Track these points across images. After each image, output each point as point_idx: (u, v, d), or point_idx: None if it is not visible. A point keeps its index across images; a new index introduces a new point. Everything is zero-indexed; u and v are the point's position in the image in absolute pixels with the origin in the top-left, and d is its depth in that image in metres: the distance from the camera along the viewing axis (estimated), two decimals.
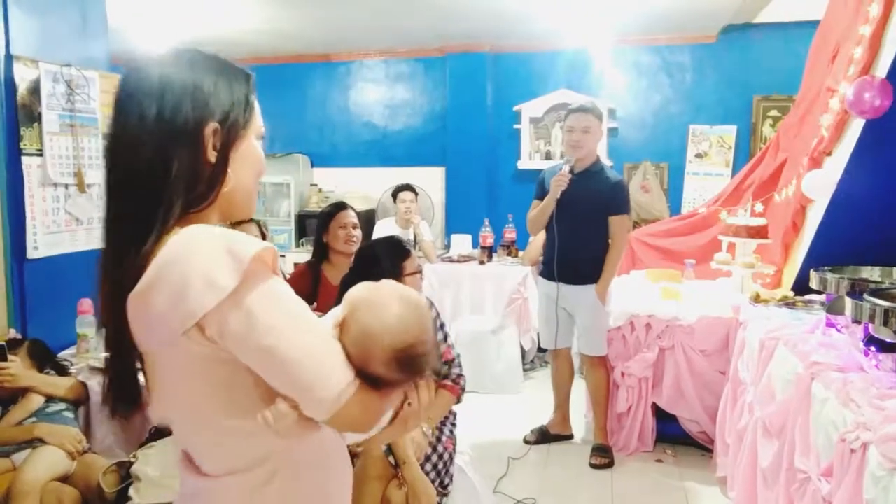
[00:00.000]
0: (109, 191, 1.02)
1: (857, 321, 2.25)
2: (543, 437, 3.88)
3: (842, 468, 1.88)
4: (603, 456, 3.60)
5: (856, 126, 2.94)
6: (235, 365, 0.94)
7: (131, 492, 2.05)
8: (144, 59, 1.03)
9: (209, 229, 0.96)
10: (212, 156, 1.00)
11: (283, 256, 5.70)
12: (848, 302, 2.22)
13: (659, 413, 3.70)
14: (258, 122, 1.08)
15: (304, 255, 5.42)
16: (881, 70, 2.69)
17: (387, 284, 1.04)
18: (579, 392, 3.86)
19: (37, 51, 2.76)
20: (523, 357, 4.96)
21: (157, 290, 0.90)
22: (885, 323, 2.03)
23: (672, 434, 3.73)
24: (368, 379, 0.97)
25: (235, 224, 1.10)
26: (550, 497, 3.27)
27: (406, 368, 0.98)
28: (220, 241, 0.92)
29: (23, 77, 2.68)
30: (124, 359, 1.02)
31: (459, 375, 2.42)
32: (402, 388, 1.02)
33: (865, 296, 2.17)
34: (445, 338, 2.44)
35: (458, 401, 2.43)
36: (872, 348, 2.17)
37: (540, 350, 4.87)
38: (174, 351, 0.94)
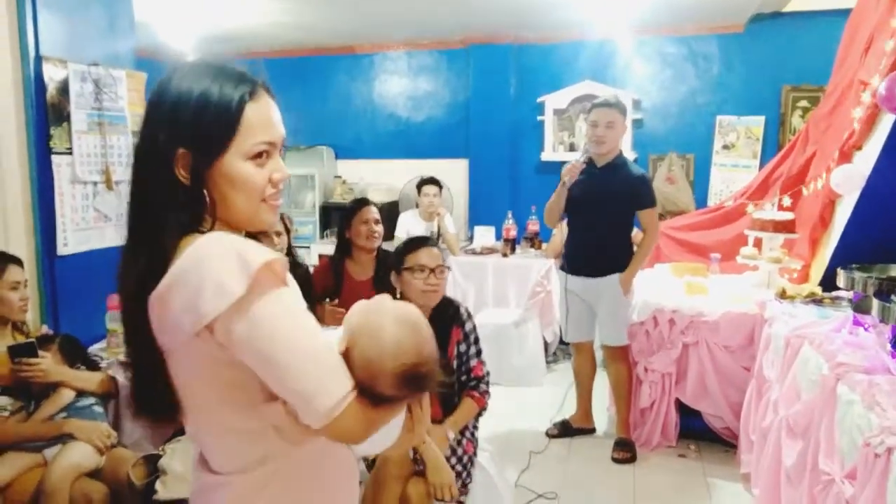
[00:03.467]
0: (129, 204, 1.09)
1: (884, 321, 2.22)
2: (565, 430, 3.88)
3: (866, 472, 1.86)
4: (625, 450, 3.60)
5: (887, 121, 2.88)
6: (243, 368, 0.98)
7: (158, 485, 2.09)
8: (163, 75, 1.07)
9: (223, 237, 1.00)
10: (183, 178, 1.02)
11: (308, 248, 5.76)
12: (875, 303, 2.19)
13: (682, 408, 3.68)
14: (247, 142, 1.04)
15: (328, 246, 5.47)
16: None
17: (383, 306, 1.05)
18: (602, 386, 3.86)
19: (65, 50, 2.80)
20: (546, 350, 4.96)
21: (174, 292, 0.96)
22: None
23: (696, 429, 3.71)
24: (375, 395, 1.00)
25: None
26: (572, 491, 3.28)
27: (411, 386, 1.01)
28: (231, 249, 0.96)
29: (52, 77, 2.73)
30: (147, 361, 1.05)
31: (486, 392, 2.45)
32: (404, 404, 1.05)
33: (893, 297, 2.13)
34: (479, 353, 2.46)
35: (482, 412, 2.45)
36: None
37: (562, 343, 4.86)
38: (188, 351, 1.00)
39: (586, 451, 3.70)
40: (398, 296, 2.39)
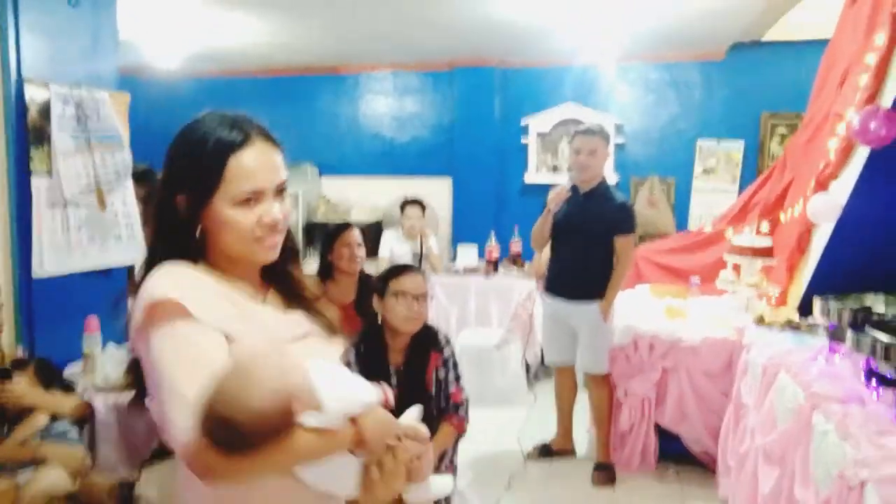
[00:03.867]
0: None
1: (858, 351, 2.25)
2: (546, 453, 3.88)
3: (840, 503, 1.88)
4: (605, 473, 3.61)
5: (862, 152, 2.94)
6: None
7: None
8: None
9: (164, 268, 1.14)
10: (184, 219, 1.17)
11: None
12: (849, 334, 2.22)
13: (662, 431, 3.70)
14: (232, 190, 1.14)
15: (311, 265, 5.46)
16: (887, 99, 2.69)
17: (257, 354, 1.02)
18: (583, 407, 3.86)
19: (47, 72, 2.79)
20: (528, 371, 4.97)
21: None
22: (886, 357, 2.04)
23: (675, 452, 3.73)
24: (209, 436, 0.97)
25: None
26: None
27: (217, 436, 0.97)
28: (152, 280, 1.12)
29: (33, 99, 2.71)
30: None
31: (464, 418, 2.44)
32: (253, 461, 0.99)
33: (867, 328, 2.17)
34: (458, 379, 2.45)
35: (460, 437, 2.45)
36: (873, 381, 2.17)
37: (544, 364, 4.87)
38: (138, 350, 1.16)
39: (566, 474, 3.70)
40: (379, 321, 2.39)
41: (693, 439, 3.64)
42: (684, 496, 3.46)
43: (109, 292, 2.92)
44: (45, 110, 2.76)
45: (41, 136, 2.75)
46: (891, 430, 1.95)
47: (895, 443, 1.86)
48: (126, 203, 3.13)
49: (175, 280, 1.12)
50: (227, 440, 0.96)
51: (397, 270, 2.42)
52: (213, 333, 1.09)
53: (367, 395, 1.11)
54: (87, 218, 2.95)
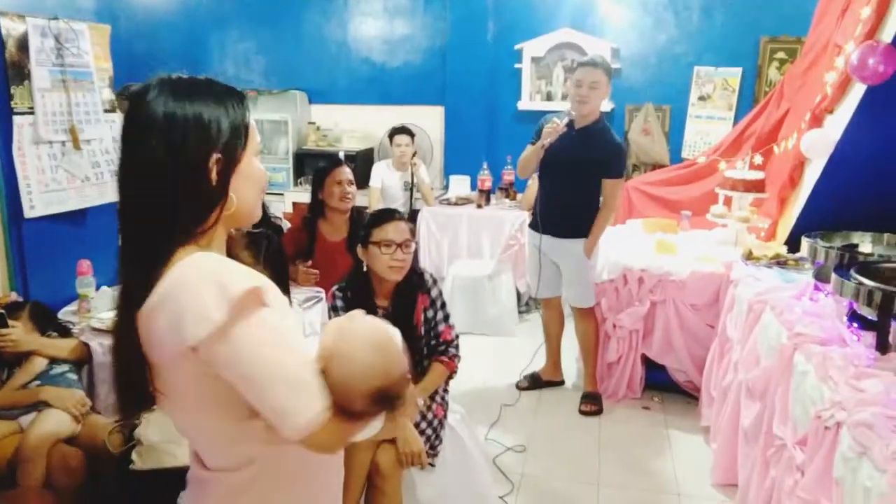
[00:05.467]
0: (121, 215, 1.11)
1: (841, 295, 2.29)
2: (535, 383, 3.99)
3: (816, 442, 1.96)
4: (592, 403, 3.72)
5: (859, 87, 2.89)
6: (228, 384, 1.03)
7: (134, 455, 2.14)
8: (146, 92, 1.09)
9: (208, 259, 1.06)
10: (214, 182, 1.09)
11: (282, 195, 5.70)
12: (834, 278, 2.25)
13: (648, 362, 3.80)
14: (255, 141, 1.16)
15: (302, 194, 5.43)
16: (887, 34, 2.63)
17: (353, 329, 1.08)
18: (571, 338, 3.93)
19: (23, 4, 2.69)
20: (519, 300, 5.04)
21: (160, 313, 1.02)
22: (869, 303, 2.07)
23: (660, 382, 3.85)
24: (350, 411, 1.05)
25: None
26: (540, 444, 3.40)
27: (382, 405, 1.06)
28: (211, 275, 1.02)
29: (10, 33, 2.63)
30: (132, 365, 1.10)
31: (455, 355, 2.48)
32: (379, 415, 1.09)
33: (852, 272, 2.20)
34: (447, 318, 2.48)
35: (452, 376, 2.50)
36: (855, 324, 2.21)
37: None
38: (175, 367, 1.06)
39: (555, 404, 3.82)
40: (364, 268, 2.39)
41: (678, 370, 3.75)
42: (668, 424, 3.59)
43: (95, 234, 2.92)
44: (24, 44, 2.68)
45: (21, 71, 2.67)
46: (868, 373, 2.00)
47: (871, 386, 1.92)
48: (102, 142, 3.09)
49: (236, 266, 1.07)
50: (384, 407, 1.06)
51: (380, 218, 2.38)
52: (291, 317, 1.12)
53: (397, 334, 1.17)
54: (68, 157, 2.91)
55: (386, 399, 1.05)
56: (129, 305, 1.07)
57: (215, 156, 1.08)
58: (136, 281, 1.06)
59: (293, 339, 1.07)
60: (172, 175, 1.06)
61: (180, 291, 1.01)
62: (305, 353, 1.06)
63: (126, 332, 1.08)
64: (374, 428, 1.15)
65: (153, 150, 1.06)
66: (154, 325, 1.03)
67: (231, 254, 1.19)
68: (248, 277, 1.04)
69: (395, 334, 1.11)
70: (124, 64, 3.31)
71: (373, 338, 1.07)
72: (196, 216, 1.09)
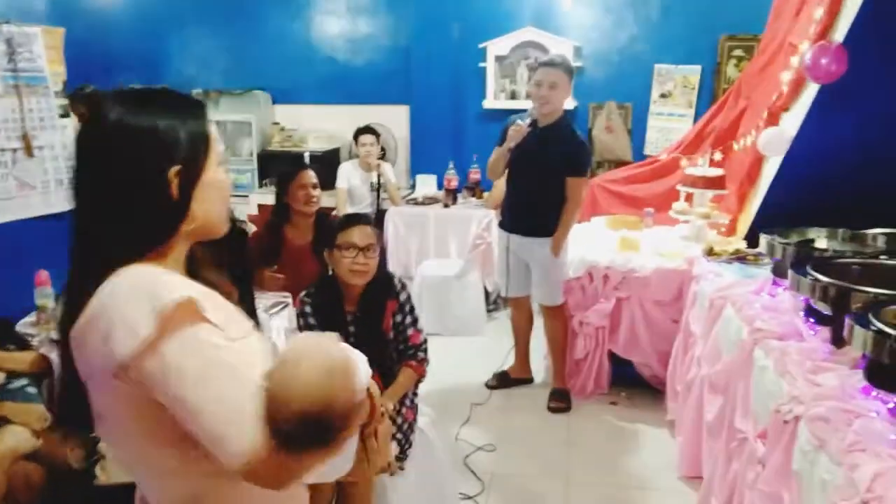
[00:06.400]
0: (75, 226, 1.06)
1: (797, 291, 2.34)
2: (504, 381, 4.02)
3: (775, 436, 2.01)
4: (561, 400, 3.76)
5: (812, 86, 2.96)
6: (162, 406, 0.96)
7: (97, 470, 2.10)
8: (100, 105, 1.05)
9: (142, 272, 1.00)
10: (175, 195, 1.05)
11: (247, 196, 5.64)
12: (790, 275, 2.30)
13: (614, 358, 3.85)
14: (218, 150, 1.12)
15: (267, 195, 5.37)
16: (839, 34, 2.70)
17: (320, 345, 0.99)
18: (540, 335, 3.97)
19: None
20: (487, 299, 5.06)
21: (90, 329, 0.97)
22: (824, 299, 2.13)
23: (627, 377, 3.90)
24: (288, 438, 0.94)
25: None
26: (510, 443, 3.43)
27: (314, 433, 0.93)
28: (143, 287, 0.97)
29: None
30: (75, 382, 1.05)
31: (424, 359, 2.48)
32: (325, 454, 0.97)
33: (807, 269, 2.25)
34: (415, 322, 2.48)
35: (420, 380, 2.50)
36: (811, 319, 2.27)
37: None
38: (106, 387, 0.99)
39: (524, 402, 3.85)
40: (330, 272, 2.39)
41: (644, 365, 3.81)
42: (634, 418, 3.65)
43: (53, 243, 2.86)
44: None
45: None
46: (824, 367, 2.06)
47: (827, 380, 1.97)
48: (54, 149, 3.02)
49: (172, 278, 1.01)
50: (316, 436, 0.93)
51: (347, 222, 2.40)
52: (245, 330, 1.03)
53: (365, 364, 1.08)
54: (20, 164, 2.84)
55: (320, 429, 0.93)
56: (69, 323, 1.01)
57: (175, 168, 1.04)
58: (81, 299, 1.00)
59: (235, 358, 0.97)
60: (129, 189, 1.03)
61: (110, 306, 0.96)
62: (248, 374, 0.96)
63: (66, 351, 1.04)
64: (337, 469, 1.07)
65: (108, 164, 1.03)
66: (85, 342, 0.98)
67: (194, 269, 1.14)
68: (183, 288, 0.97)
69: (359, 371, 1.02)
70: (80, 67, 3.24)
71: (328, 362, 0.95)
72: (156, 231, 1.05)
